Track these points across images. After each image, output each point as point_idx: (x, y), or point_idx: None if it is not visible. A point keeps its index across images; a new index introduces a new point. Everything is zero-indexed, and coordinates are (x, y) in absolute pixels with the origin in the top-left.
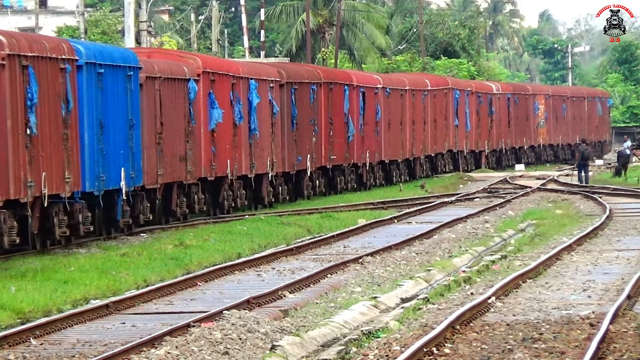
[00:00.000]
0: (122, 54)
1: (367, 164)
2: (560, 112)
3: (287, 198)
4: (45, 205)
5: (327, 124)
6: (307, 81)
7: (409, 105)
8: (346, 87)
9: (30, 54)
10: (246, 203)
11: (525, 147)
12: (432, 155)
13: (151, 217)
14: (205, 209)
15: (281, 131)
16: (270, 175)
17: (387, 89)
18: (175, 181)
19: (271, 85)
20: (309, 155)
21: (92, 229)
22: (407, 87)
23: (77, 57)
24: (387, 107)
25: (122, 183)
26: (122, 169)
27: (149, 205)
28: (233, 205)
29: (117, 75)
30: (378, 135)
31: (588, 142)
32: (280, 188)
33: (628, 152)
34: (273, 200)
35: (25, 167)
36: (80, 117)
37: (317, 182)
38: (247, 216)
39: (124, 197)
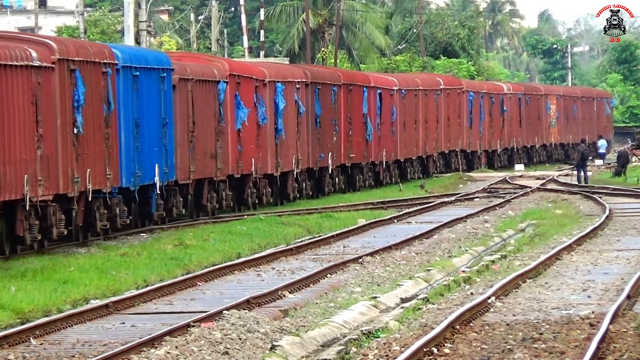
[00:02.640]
0: (156, 57)
1: (384, 162)
2: (571, 112)
3: (311, 194)
4: (90, 199)
5: (346, 123)
6: (328, 82)
7: (422, 104)
8: (365, 88)
9: (77, 59)
10: (272, 200)
11: (537, 146)
12: (446, 152)
13: (184, 211)
14: (232, 204)
15: (306, 129)
16: (295, 173)
17: (403, 90)
18: (206, 177)
19: (297, 86)
20: (330, 153)
21: (128, 222)
22: (420, 87)
23: (116, 61)
24: (403, 108)
25: (156, 178)
26: (156, 165)
27: (181, 199)
28: (257, 201)
29: (151, 77)
30: (394, 135)
31: (587, 142)
32: (304, 184)
33: (605, 150)
34: (298, 196)
35: (72, 163)
36: (118, 117)
37: (338, 179)
38: (246, 216)
39: (158, 192)
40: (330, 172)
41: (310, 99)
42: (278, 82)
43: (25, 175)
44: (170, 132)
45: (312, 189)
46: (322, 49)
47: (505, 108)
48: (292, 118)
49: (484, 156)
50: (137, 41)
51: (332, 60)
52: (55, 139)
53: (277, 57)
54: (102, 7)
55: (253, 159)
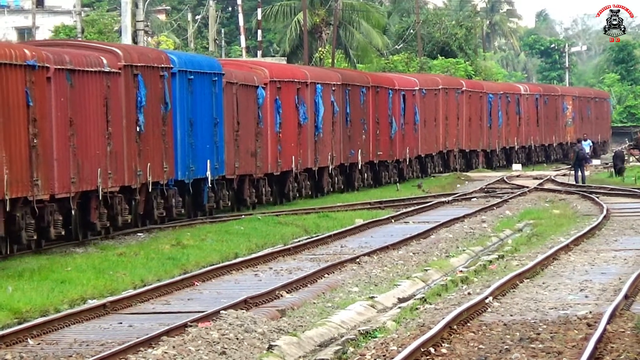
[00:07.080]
0: (209, 62)
1: (407, 160)
2: (586, 112)
3: (342, 188)
4: (150, 191)
5: (374, 123)
6: (358, 84)
7: (442, 103)
8: (390, 90)
9: (139, 64)
10: (310, 193)
11: (554, 144)
12: (467, 150)
13: (229, 203)
14: (271, 199)
15: (339, 128)
16: (330, 168)
17: (423, 90)
18: (247, 174)
19: (333, 88)
20: (359, 151)
21: (182, 211)
22: (441, 87)
23: (172, 66)
24: (423, 106)
25: (208, 173)
26: (208, 160)
27: (228, 193)
28: (298, 195)
29: (204, 80)
30: (416, 133)
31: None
32: (337, 179)
33: (587, 150)
34: (331, 189)
35: (135, 158)
36: (174, 116)
37: (366, 175)
38: (243, 216)
39: (209, 185)
40: (359, 168)
41: (342, 100)
42: (318, 83)
43: (99, 169)
44: (221, 131)
45: (343, 183)
46: (320, 48)
47: (520, 108)
48: (328, 117)
49: (481, 155)
50: (135, 41)
51: (330, 60)
52: (121, 137)
53: (274, 56)
54: (100, 7)
55: (293, 157)
